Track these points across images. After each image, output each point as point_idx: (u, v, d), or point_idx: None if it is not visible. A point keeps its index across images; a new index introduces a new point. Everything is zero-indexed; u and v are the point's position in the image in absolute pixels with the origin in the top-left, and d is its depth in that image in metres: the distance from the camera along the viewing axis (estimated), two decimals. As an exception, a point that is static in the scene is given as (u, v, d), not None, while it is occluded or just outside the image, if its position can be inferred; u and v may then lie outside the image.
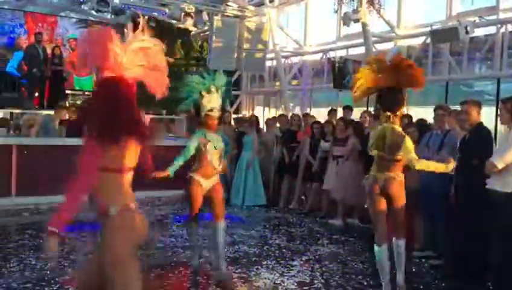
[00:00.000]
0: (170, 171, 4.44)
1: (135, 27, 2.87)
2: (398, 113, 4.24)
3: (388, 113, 4.21)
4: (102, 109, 2.51)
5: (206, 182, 4.61)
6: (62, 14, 13.73)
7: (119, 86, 2.55)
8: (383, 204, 4.24)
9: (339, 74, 9.99)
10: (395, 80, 4.22)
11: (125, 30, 13.71)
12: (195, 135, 4.62)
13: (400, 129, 4.23)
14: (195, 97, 4.59)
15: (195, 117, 4.74)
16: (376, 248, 4.26)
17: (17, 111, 10.36)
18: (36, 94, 10.92)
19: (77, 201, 2.50)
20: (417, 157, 4.11)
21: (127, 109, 2.56)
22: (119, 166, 2.57)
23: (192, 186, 4.59)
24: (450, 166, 4.12)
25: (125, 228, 2.53)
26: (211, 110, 4.56)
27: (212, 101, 4.56)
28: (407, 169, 5.58)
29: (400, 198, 4.25)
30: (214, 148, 4.58)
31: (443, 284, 4.78)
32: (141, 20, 3.40)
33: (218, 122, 4.77)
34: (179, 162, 4.52)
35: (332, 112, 8.92)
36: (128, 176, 2.64)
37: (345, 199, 7.04)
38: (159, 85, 2.75)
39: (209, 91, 4.56)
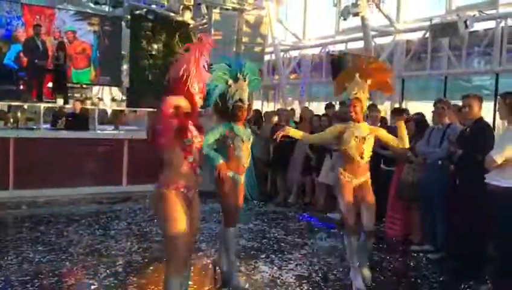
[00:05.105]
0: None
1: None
2: None
3: None
4: None
5: (238, 179, 4.22)
6: (60, 6, 13.64)
7: None
8: None
9: (338, 68, 9.94)
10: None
11: (122, 23, 13.71)
12: (221, 127, 4.18)
13: None
14: (221, 87, 4.15)
15: (222, 109, 4.23)
16: None
17: (15, 104, 10.32)
18: (35, 87, 10.86)
19: None
20: None
21: None
22: None
23: (225, 182, 4.13)
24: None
25: None
26: (239, 100, 4.17)
27: (240, 91, 4.18)
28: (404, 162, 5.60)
29: None
30: (242, 142, 4.19)
31: (441, 278, 4.79)
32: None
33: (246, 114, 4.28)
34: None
35: (330, 107, 8.90)
36: None
37: None
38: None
39: (236, 80, 4.18)
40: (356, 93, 4.31)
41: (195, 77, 3.06)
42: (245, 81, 4.22)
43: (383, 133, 4.43)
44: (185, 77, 3.03)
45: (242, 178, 4.27)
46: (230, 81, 4.17)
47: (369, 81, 4.33)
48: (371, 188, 4.40)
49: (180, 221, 3.01)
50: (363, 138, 4.30)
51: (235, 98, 4.16)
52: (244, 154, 4.20)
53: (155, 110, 3.14)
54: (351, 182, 4.33)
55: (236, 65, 4.25)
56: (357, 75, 4.31)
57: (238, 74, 4.19)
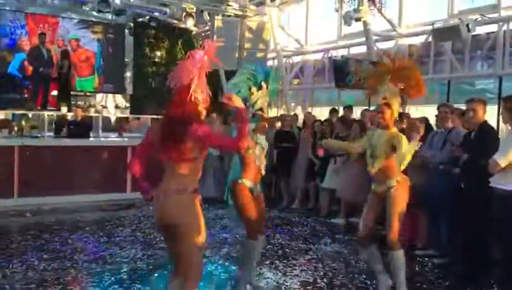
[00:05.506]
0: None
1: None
2: None
3: None
4: None
5: (255, 189, 4.08)
6: (63, 15, 13.73)
7: None
8: None
9: (340, 73, 9.96)
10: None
11: (125, 31, 13.76)
12: None
13: None
14: (243, 93, 3.93)
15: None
16: None
17: (20, 112, 10.37)
18: (40, 95, 10.91)
19: None
20: None
21: None
22: None
23: (244, 194, 3.97)
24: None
25: None
26: (261, 109, 4.03)
27: (262, 100, 4.02)
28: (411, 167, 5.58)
29: None
30: (262, 150, 4.08)
31: (446, 283, 4.77)
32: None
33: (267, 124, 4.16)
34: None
35: (333, 112, 8.93)
36: None
37: (355, 199, 6.71)
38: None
39: (259, 88, 4.01)
40: (386, 99, 4.13)
41: (198, 86, 2.95)
42: (267, 89, 4.07)
43: (396, 141, 3.98)
44: (188, 86, 2.92)
45: (258, 186, 4.12)
46: (254, 88, 3.99)
47: (401, 85, 4.13)
48: (399, 196, 4.08)
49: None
50: (374, 145, 4.13)
51: (256, 107, 4.00)
52: (263, 163, 4.09)
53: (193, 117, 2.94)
54: (373, 188, 4.24)
55: (263, 72, 4.09)
56: (388, 78, 4.12)
57: (263, 82, 4.04)
